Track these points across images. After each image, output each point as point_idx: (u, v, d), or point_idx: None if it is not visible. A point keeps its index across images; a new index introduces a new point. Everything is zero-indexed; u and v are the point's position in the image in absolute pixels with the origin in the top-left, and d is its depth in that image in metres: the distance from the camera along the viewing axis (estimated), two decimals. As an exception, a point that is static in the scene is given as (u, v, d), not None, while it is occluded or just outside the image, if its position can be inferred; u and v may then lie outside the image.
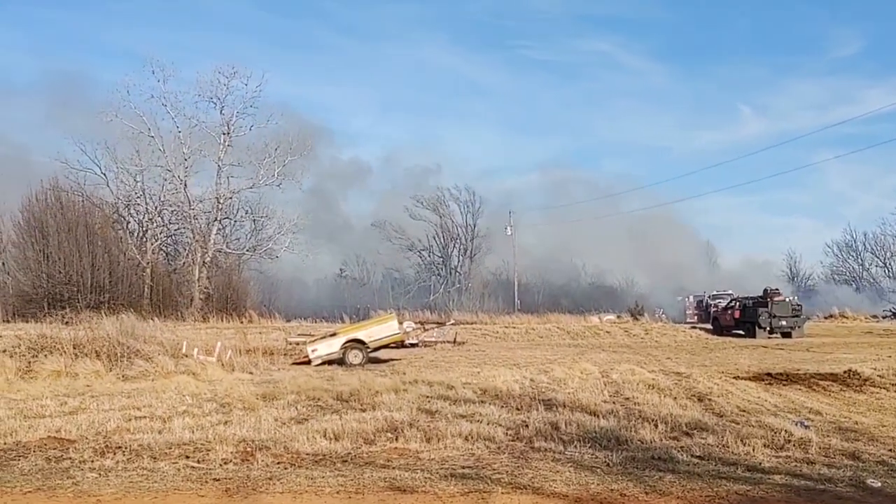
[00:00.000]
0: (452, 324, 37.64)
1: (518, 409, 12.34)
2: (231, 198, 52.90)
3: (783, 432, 10.12)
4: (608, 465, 8.55)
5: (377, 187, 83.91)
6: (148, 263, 48.39)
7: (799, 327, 37.65)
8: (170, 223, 53.20)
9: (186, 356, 19.44)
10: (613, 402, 13.24)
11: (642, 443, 9.67)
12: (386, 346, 24.87)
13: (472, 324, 42.24)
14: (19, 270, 42.65)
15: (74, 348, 18.34)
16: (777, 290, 41.03)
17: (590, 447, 9.41)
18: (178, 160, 50.45)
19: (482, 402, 13.01)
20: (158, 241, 52.19)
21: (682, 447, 9.40)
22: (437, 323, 38.33)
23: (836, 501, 7.19)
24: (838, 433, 10.49)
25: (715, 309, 45.00)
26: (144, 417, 11.85)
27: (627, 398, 13.96)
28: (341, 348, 23.25)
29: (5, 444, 9.98)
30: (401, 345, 27.66)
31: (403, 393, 13.98)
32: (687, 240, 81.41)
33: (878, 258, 74.86)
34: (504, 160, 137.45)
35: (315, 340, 24.70)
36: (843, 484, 7.72)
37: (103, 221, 47.37)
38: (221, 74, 50.69)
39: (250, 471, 8.37)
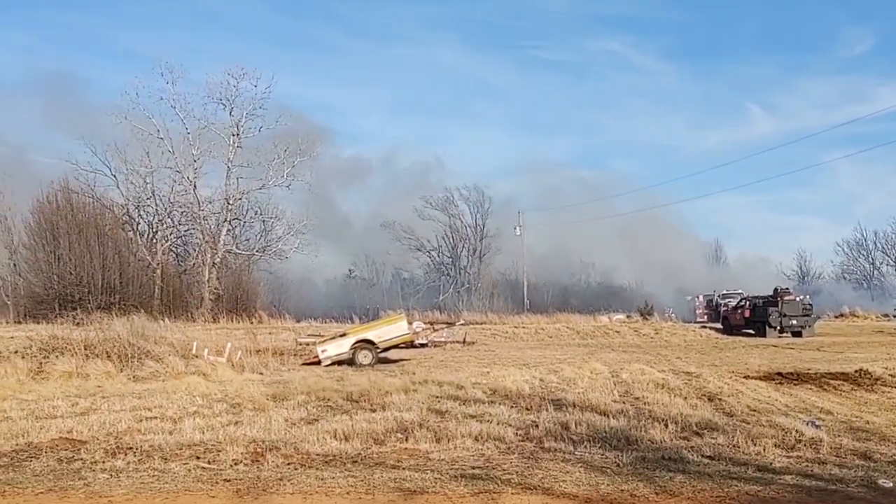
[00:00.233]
0: (462, 324, 37.63)
1: (528, 409, 12.32)
2: (240, 199, 53.06)
3: (794, 432, 10.08)
4: (618, 465, 8.54)
5: (386, 188, 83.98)
6: (158, 264, 48.58)
7: (809, 326, 37.50)
8: (179, 224, 53.38)
9: (197, 357, 19.48)
10: (623, 402, 13.21)
11: (652, 443, 9.65)
12: (396, 347, 24.87)
13: (481, 324, 42.23)
14: (30, 272, 42.89)
15: (85, 349, 18.40)
16: (787, 289, 40.92)
17: (600, 447, 9.40)
18: (187, 161, 50.69)
19: (492, 402, 13.01)
20: (168, 242, 52.40)
21: (692, 447, 9.37)
22: (447, 323, 38.33)
23: (847, 502, 7.16)
24: (849, 433, 10.44)
25: (725, 308, 44.88)
26: (155, 418, 11.87)
27: (637, 398, 13.93)
28: (351, 349, 23.26)
29: (17, 444, 10.02)
30: (410, 345, 27.67)
31: (413, 393, 13.99)
32: (693, 239, 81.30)
33: (888, 257, 74.58)
34: (513, 160, 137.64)
35: (325, 341, 24.73)
36: (854, 484, 7.69)
37: (113, 223, 47.62)
38: (230, 76, 50.90)
39: (261, 471, 8.38)
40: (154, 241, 51.50)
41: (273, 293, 59.23)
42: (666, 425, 10.53)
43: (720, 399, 13.93)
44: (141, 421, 11.59)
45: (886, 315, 52.22)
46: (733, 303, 44.12)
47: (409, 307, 52.22)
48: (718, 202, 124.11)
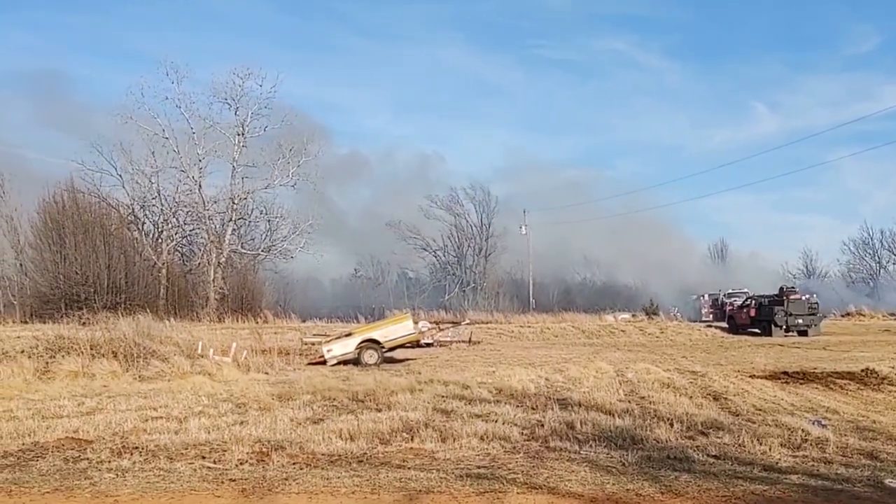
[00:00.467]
0: (467, 323, 37.64)
1: (533, 408, 12.32)
2: (245, 198, 53.12)
3: (800, 431, 10.07)
4: (624, 464, 8.53)
5: (391, 187, 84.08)
6: (163, 264, 48.69)
7: (815, 325, 37.43)
8: (185, 224, 53.49)
9: (202, 357, 19.52)
10: (629, 402, 13.21)
11: (658, 442, 9.65)
12: (401, 346, 24.86)
13: (486, 323, 42.24)
14: (36, 272, 43.01)
15: (91, 349, 18.45)
16: (793, 288, 40.84)
17: (605, 447, 9.39)
18: (192, 161, 50.80)
19: (497, 401, 13.01)
20: (174, 242, 52.50)
21: (697, 446, 9.36)
22: (453, 322, 38.34)
23: (853, 501, 7.14)
24: (856, 432, 10.42)
25: (730, 307, 44.80)
26: (161, 418, 11.90)
27: (643, 397, 13.93)
28: (357, 348, 23.25)
29: (24, 444, 10.05)
30: (416, 344, 27.65)
31: (419, 393, 13.99)
32: (697, 238, 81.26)
33: (895, 255, 74.34)
34: (518, 159, 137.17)
35: (330, 340, 24.73)
36: (860, 484, 7.67)
37: (119, 222, 47.76)
38: (236, 75, 51.03)
39: (266, 471, 8.39)
40: (159, 240, 51.62)
41: (278, 293, 59.34)
42: (671, 425, 10.53)
43: (726, 398, 13.92)
44: (146, 421, 11.61)
45: (893, 314, 52.05)
46: (739, 302, 44.04)
47: (414, 307, 52.22)
48: (723, 201, 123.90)
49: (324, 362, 22.81)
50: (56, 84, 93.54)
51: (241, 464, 8.73)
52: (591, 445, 9.45)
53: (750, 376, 18.12)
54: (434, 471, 8.27)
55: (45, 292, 41.46)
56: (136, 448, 9.55)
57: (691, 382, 16.51)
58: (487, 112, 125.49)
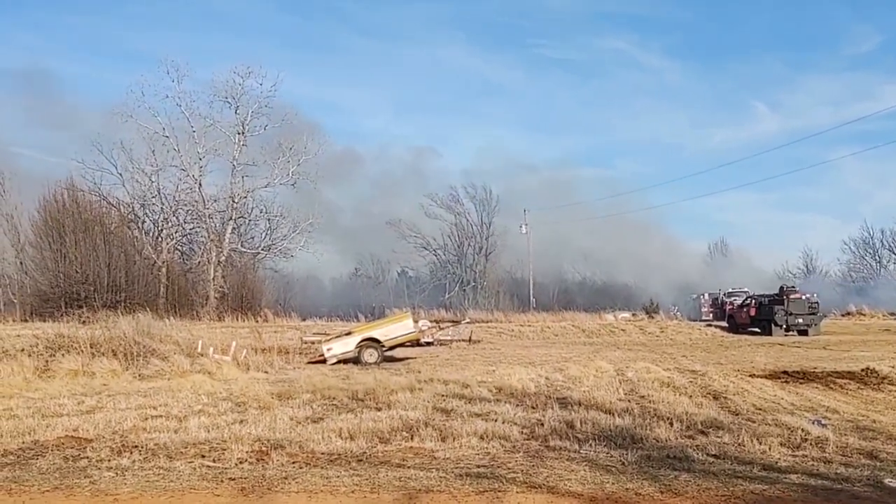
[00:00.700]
0: (467, 322, 37.64)
1: (533, 407, 12.32)
2: (245, 197, 53.15)
3: (800, 431, 10.07)
4: (623, 464, 8.53)
5: (392, 186, 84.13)
6: (163, 263, 48.71)
7: (815, 325, 37.43)
8: (185, 222, 53.54)
9: (202, 355, 19.52)
10: (629, 401, 13.21)
11: (657, 441, 9.65)
12: (401, 345, 24.87)
13: (487, 322, 42.26)
14: (37, 270, 43.02)
15: (91, 347, 18.45)
16: (793, 287, 40.84)
17: (605, 446, 9.39)
18: (192, 160, 50.86)
19: (497, 400, 13.01)
20: (174, 241, 52.52)
21: (697, 446, 9.37)
22: (453, 321, 38.33)
23: (853, 501, 7.14)
24: (856, 432, 10.42)
25: (730, 307, 44.80)
26: (160, 416, 11.90)
27: (643, 396, 13.93)
28: (356, 347, 23.26)
29: (24, 442, 10.05)
30: (416, 343, 27.65)
31: (419, 392, 14.00)
32: (698, 237, 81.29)
33: (895, 255, 74.32)
34: (519, 159, 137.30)
35: (330, 339, 24.74)
36: (860, 483, 7.67)
37: (119, 221, 47.77)
38: (236, 74, 51.07)
39: (265, 470, 8.39)
40: (159, 239, 51.64)
41: (278, 292, 59.35)
42: (671, 424, 10.53)
43: (725, 398, 13.92)
44: (146, 419, 11.62)
45: (893, 313, 52.04)
46: (739, 301, 44.04)
47: (414, 305, 52.22)
48: (723, 201, 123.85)
49: (324, 361, 22.81)
50: (55, 83, 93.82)
51: (240, 462, 8.73)
52: (590, 445, 9.45)
53: (750, 375, 18.12)
54: (434, 470, 8.28)
55: (46, 291, 41.47)
56: (136, 447, 9.55)
57: (691, 382, 16.52)
58: (488, 111, 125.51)
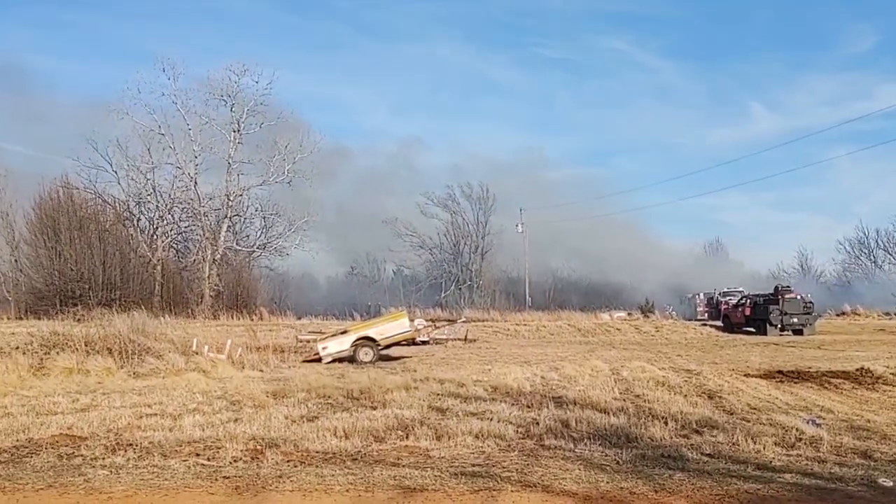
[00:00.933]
0: (463, 321, 37.66)
1: (528, 406, 12.32)
2: (241, 195, 53.14)
3: (794, 430, 10.08)
4: (618, 462, 8.54)
5: (388, 185, 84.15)
6: (158, 261, 48.65)
7: (810, 324, 37.49)
8: (180, 220, 53.54)
9: (197, 354, 19.50)
10: (624, 400, 13.22)
11: (652, 440, 9.66)
12: (397, 344, 24.88)
13: (482, 321, 42.27)
14: (32, 268, 42.95)
15: (86, 345, 18.41)
16: (788, 287, 40.90)
17: (600, 445, 9.40)
18: (188, 158, 50.85)
19: (493, 399, 13.01)
20: (169, 239, 52.50)
21: (691, 445, 9.37)
22: (448, 320, 38.35)
23: (846, 500, 7.15)
24: (850, 431, 10.44)
25: (726, 306, 44.86)
26: (155, 415, 11.88)
27: (638, 395, 13.95)
28: (352, 346, 23.25)
29: (18, 440, 10.03)
30: (412, 342, 27.67)
31: (414, 391, 14.00)
32: (694, 237, 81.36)
33: (890, 255, 74.45)
34: (516, 157, 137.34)
35: (326, 338, 24.71)
36: (854, 483, 7.68)
37: (114, 219, 47.67)
38: (232, 72, 51.01)
39: (260, 469, 8.38)
40: (155, 237, 51.60)
41: (273, 290, 59.29)
42: (666, 423, 10.53)
43: (720, 397, 13.94)
44: (141, 417, 11.60)
45: (888, 313, 52.16)
46: (734, 301, 44.11)
47: (410, 304, 52.26)
48: (720, 200, 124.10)
49: (319, 360, 22.80)
50: (49, 80, 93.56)
51: (235, 461, 8.72)
52: (585, 443, 9.45)
53: (745, 375, 18.14)
54: (429, 469, 8.27)
55: (40, 289, 41.41)
56: (131, 445, 9.54)
57: (686, 381, 16.54)
58: (486, 110, 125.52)
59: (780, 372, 18.91)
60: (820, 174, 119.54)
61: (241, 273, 52.36)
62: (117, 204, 50.26)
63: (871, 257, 76.02)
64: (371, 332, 23.91)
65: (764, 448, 9.12)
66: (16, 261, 45.17)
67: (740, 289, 49.19)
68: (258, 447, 9.34)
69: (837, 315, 50.77)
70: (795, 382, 16.96)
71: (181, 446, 9.44)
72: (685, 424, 10.68)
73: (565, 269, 77.36)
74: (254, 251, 56.53)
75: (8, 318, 37.74)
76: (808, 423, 10.71)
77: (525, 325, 41.40)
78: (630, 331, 39.65)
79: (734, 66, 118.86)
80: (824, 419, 11.40)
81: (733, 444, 9.44)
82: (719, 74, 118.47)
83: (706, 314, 50.35)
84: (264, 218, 56.23)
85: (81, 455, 9.11)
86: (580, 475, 7.97)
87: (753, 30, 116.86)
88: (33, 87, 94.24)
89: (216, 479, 7.96)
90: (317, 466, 8.47)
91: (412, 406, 12.26)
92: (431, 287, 76.53)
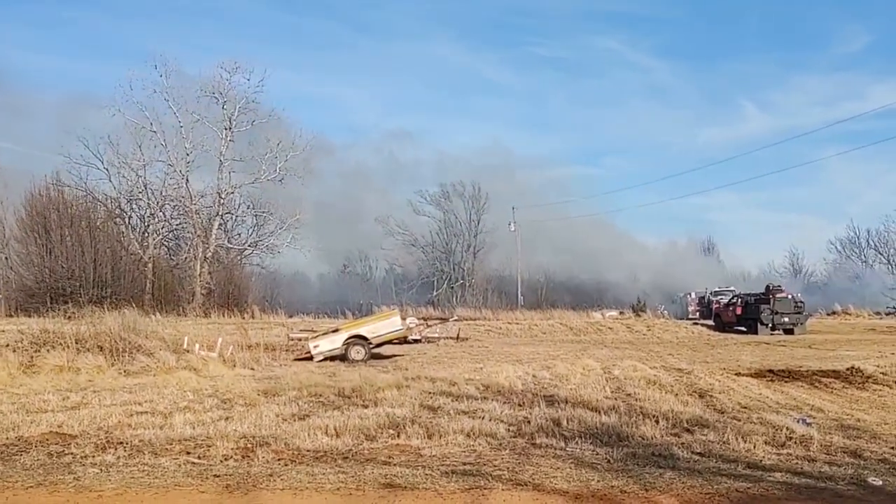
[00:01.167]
0: (455, 320, 37.62)
1: (520, 405, 12.34)
2: (232, 193, 53.00)
3: (784, 429, 10.12)
4: (609, 461, 8.56)
5: (381, 183, 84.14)
6: (150, 258, 48.51)
7: (801, 324, 37.64)
8: (171, 218, 53.38)
9: (188, 352, 19.46)
10: (615, 399, 13.25)
11: (643, 439, 9.68)
12: (389, 342, 24.84)
13: (475, 320, 42.30)
14: (22, 265, 42.74)
15: (76, 343, 18.34)
16: (779, 286, 41.05)
17: (591, 443, 9.42)
18: (179, 155, 50.61)
19: (484, 398, 13.03)
20: (160, 236, 52.33)
21: (682, 444, 9.40)
22: (440, 319, 38.29)
23: (836, 499, 7.18)
24: (840, 431, 10.48)
25: (717, 305, 44.98)
26: (146, 413, 11.86)
27: (629, 394, 13.98)
28: (343, 344, 23.23)
29: (7, 438, 9.99)
30: (404, 341, 27.60)
31: (405, 389, 14.00)
32: (686, 236, 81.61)
33: (881, 255, 74.75)
34: (509, 156, 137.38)
35: (317, 336, 24.67)
36: (843, 482, 7.71)
37: (105, 216, 47.50)
38: (223, 69, 50.84)
39: (251, 467, 8.37)
40: (146, 234, 51.43)
41: (265, 288, 59.09)
42: (657, 422, 10.56)
43: (711, 396, 13.99)
44: (131, 416, 11.56)
45: (879, 313, 52.39)
46: (725, 300, 44.21)
47: (402, 303, 52.15)
48: (711, 199, 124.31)
49: (310, 358, 22.77)
50: (40, 77, 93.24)
51: (225, 459, 8.71)
52: (576, 442, 9.47)
53: (735, 374, 18.20)
54: (419, 467, 8.27)
55: (31, 286, 41.22)
56: (121, 443, 9.52)
57: (677, 380, 16.59)
58: (478, 108, 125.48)
59: (770, 371, 18.97)
60: (811, 174, 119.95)
61: (232, 271, 52.23)
62: (108, 201, 50.06)
63: (862, 257, 76.35)
64: (363, 331, 23.88)
65: (754, 447, 9.16)
66: (6, 258, 44.91)
67: (731, 288, 49.31)
68: (249, 445, 9.33)
69: (828, 314, 50.98)
70: (786, 381, 17.02)
71: (172, 444, 9.43)
72: (676, 423, 10.71)
73: (557, 267, 77.41)
74: (245, 249, 56.43)
75: (-2, 316, 37.57)
76: (798, 422, 10.75)
77: (517, 323, 41.47)
78: (622, 330, 39.74)
79: (727, 66, 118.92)
80: (814, 418, 11.45)
81: (724, 442, 9.47)
82: (712, 74, 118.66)
83: (697, 313, 50.44)
84: (256, 216, 56.12)
85: (71, 453, 9.08)
86: (571, 474, 7.98)
87: (746, 29, 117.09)
88: (23, 83, 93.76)
89: (207, 478, 7.94)
90: (308, 465, 8.46)
91: (403, 404, 12.27)
92: (423, 285, 76.43)
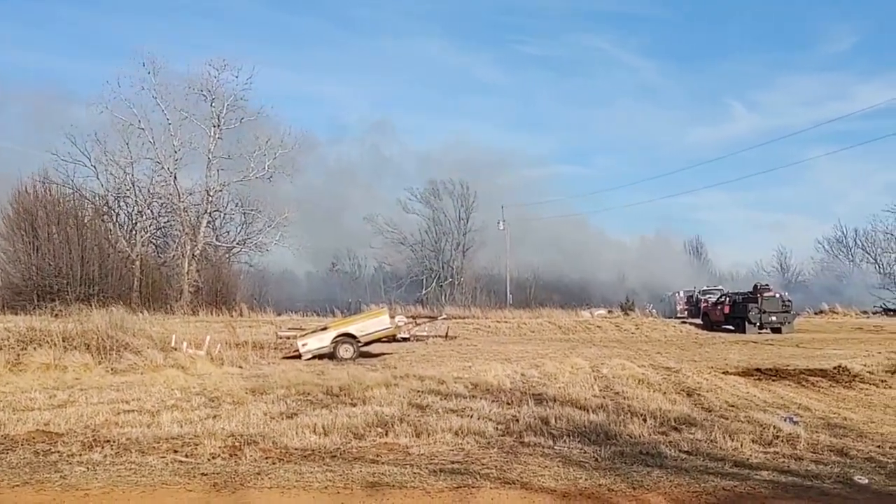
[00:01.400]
0: (444, 318, 37.61)
1: (508, 403, 12.35)
2: (221, 190, 52.83)
3: (771, 428, 10.16)
4: (596, 459, 8.57)
5: (369, 181, 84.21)
6: (137, 256, 48.31)
7: (789, 323, 37.79)
8: (159, 216, 53.13)
9: (175, 350, 19.39)
10: (603, 397, 13.28)
11: (631, 437, 9.70)
12: (377, 341, 24.79)
13: (463, 318, 42.28)
14: (9, 263, 42.53)
15: (64, 341, 18.25)
16: (767, 285, 41.18)
17: (579, 442, 9.43)
18: (168, 152, 50.41)
19: (473, 396, 13.03)
20: (148, 234, 52.08)
21: (670, 442, 9.43)
22: (429, 317, 38.28)
23: (822, 497, 7.21)
24: (827, 429, 10.53)
25: (705, 304, 45.09)
26: (133, 411, 11.81)
27: (617, 393, 14.01)
28: (332, 342, 23.19)
29: (-7, 437, 9.94)
30: (392, 339, 27.57)
31: (394, 388, 13.99)
32: (674, 236, 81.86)
33: (868, 254, 75.14)
34: (498, 155, 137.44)
35: (305, 334, 24.62)
36: (830, 480, 7.75)
37: (93, 213, 47.28)
38: (212, 67, 50.66)
39: (238, 465, 8.35)
40: (133, 232, 51.22)
41: (253, 286, 58.98)
42: (644, 420, 10.59)
43: (699, 394, 14.03)
44: (118, 414, 11.51)
45: (866, 312, 52.67)
46: (713, 299, 44.33)
47: (391, 301, 52.17)
48: (699, 199, 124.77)
49: (299, 356, 22.73)
50: (27, 73, 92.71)
51: (213, 458, 8.69)
52: (564, 441, 9.49)
53: (723, 373, 18.26)
54: (407, 466, 8.27)
55: (18, 284, 41.03)
56: (108, 441, 9.47)
57: (665, 378, 16.63)
58: (467, 106, 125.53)
59: (758, 370, 19.04)
60: (799, 174, 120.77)
61: (220, 269, 52.08)
62: (96, 199, 49.85)
63: (850, 256, 76.76)
64: (351, 329, 23.84)
65: (742, 445, 9.19)
66: (-7, 255, 44.72)
67: (720, 287, 49.48)
68: (237, 444, 9.30)
69: (816, 313, 51.21)
70: (773, 380, 17.08)
71: (159, 443, 9.39)
72: (664, 422, 10.73)
73: (546, 266, 77.52)
74: (233, 247, 56.29)
75: (-16, 314, 37.37)
76: (785, 420, 10.80)
77: (506, 322, 41.48)
78: (610, 328, 39.79)
79: (715, 66, 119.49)
80: (801, 417, 11.50)
81: (711, 441, 9.50)
82: (700, 74, 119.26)
83: (686, 312, 50.58)
84: (244, 213, 56.00)
85: (58, 451, 9.04)
86: (559, 472, 7.99)
87: (734, 30, 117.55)
88: (9, 79, 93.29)
89: (194, 476, 7.92)
90: (295, 463, 8.45)
91: (392, 403, 12.26)
92: (412, 284, 76.41)
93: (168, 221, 53.71)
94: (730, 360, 22.22)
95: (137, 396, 13.41)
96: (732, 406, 12.60)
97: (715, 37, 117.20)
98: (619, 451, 8.93)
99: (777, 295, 39.17)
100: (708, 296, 47.12)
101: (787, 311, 38.09)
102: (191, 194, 52.34)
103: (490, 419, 10.89)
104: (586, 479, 7.72)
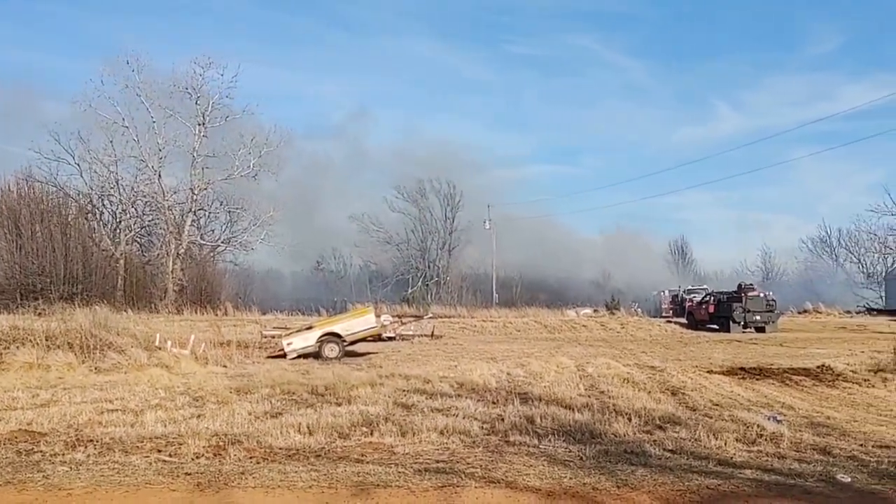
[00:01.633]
0: (430, 317, 37.65)
1: (494, 402, 12.35)
2: (205, 189, 52.62)
3: (755, 427, 10.20)
4: (581, 458, 8.58)
5: (356, 180, 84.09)
6: (121, 255, 48.10)
7: (773, 322, 38.03)
8: (143, 214, 52.93)
9: (160, 349, 19.32)
10: (588, 396, 13.30)
11: (616, 436, 9.72)
12: (363, 340, 24.76)
13: (449, 317, 42.30)
14: (-8, 261, 42.24)
15: (47, 340, 18.14)
16: (751, 285, 41.42)
17: (564, 441, 9.44)
18: (152, 151, 50.24)
19: (458, 395, 13.02)
20: (132, 233, 51.85)
21: (654, 441, 9.45)
22: (415, 316, 38.31)
23: (805, 496, 7.24)
24: (810, 428, 10.59)
25: (690, 303, 45.30)
26: (116, 410, 11.73)
27: (602, 392, 14.04)
28: (317, 342, 23.14)
29: (-26, 437, 9.86)
30: (378, 338, 27.54)
31: (379, 387, 13.96)
32: (659, 236, 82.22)
33: (852, 254, 75.67)
34: (485, 154, 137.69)
35: (291, 334, 24.58)
36: (812, 479, 7.78)
37: (77, 212, 47.02)
38: (197, 65, 50.45)
39: (222, 465, 8.31)
40: (118, 230, 51.00)
41: (238, 285, 58.84)
42: (629, 419, 10.61)
43: (683, 393, 14.08)
44: (102, 413, 11.44)
45: (849, 311, 53.02)
46: (698, 298, 44.55)
47: (376, 300, 52.16)
48: (684, 199, 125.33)
49: (284, 356, 22.67)
50: (9, 70, 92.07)
51: (197, 457, 8.64)
52: (550, 440, 9.49)
53: (708, 372, 18.35)
54: (392, 465, 8.25)
55: (1, 282, 40.74)
56: (91, 441, 9.41)
57: (650, 377, 16.68)
58: (454, 105, 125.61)
59: (742, 369, 19.14)
60: (783, 174, 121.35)
61: (205, 268, 51.94)
62: (80, 197, 49.63)
63: (833, 256, 77.28)
64: (337, 328, 23.81)
65: (725, 444, 9.23)
66: (-25, 254, 44.40)
67: (704, 286, 49.75)
68: (221, 443, 9.26)
69: (799, 313, 51.51)
70: (757, 379, 17.17)
71: (143, 442, 9.34)
72: (648, 421, 10.76)
73: (532, 265, 77.64)
74: (218, 246, 56.16)
75: (-33, 313, 37.08)
76: (769, 419, 10.84)
77: (492, 321, 41.51)
78: (596, 327, 39.88)
79: (700, 66, 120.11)
80: (785, 416, 11.56)
81: (695, 440, 9.53)
82: (686, 74, 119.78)
83: (671, 311, 50.80)
84: (229, 212, 55.94)
85: (41, 451, 8.97)
86: (544, 471, 7.99)
87: (720, 30, 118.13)
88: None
89: (178, 476, 7.87)
90: (280, 463, 8.42)
91: (377, 402, 12.24)
92: (398, 283, 76.40)
93: (152, 220, 53.50)
94: (714, 359, 22.32)
95: (121, 396, 13.34)
96: (717, 405, 12.65)
97: (701, 37, 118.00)
98: (603, 450, 8.94)
99: (761, 294, 39.41)
100: (693, 295, 47.35)
101: (771, 311, 38.33)
102: (175, 193, 52.20)
103: (475, 418, 10.88)
104: (571, 478, 7.73)
